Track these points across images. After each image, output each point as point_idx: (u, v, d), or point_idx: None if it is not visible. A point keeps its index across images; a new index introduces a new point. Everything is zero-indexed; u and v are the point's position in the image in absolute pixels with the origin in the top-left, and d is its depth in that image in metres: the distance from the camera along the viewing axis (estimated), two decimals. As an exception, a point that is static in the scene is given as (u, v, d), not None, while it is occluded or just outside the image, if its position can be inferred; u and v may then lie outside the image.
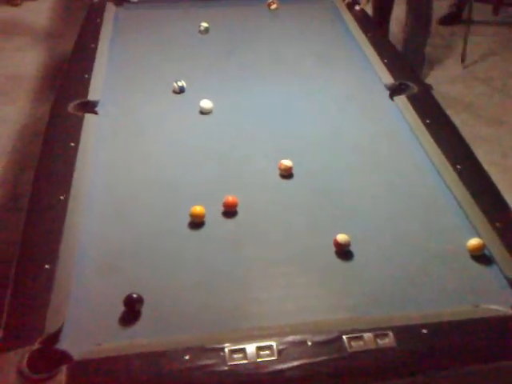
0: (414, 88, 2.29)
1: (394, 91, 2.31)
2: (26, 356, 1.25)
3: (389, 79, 2.38)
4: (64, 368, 1.24)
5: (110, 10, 2.92)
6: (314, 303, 1.47)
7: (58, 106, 2.17)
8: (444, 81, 3.77)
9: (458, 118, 2.25)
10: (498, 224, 1.64)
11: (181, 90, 2.32)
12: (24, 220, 1.65)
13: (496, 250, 1.58)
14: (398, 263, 1.58)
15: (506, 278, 1.51)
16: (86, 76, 2.34)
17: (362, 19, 2.89)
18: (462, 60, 3.99)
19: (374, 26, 2.82)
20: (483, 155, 2.04)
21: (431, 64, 3.96)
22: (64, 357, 1.27)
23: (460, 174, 1.83)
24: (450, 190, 1.81)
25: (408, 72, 2.49)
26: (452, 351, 1.33)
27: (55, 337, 1.32)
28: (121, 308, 1.42)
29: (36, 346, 1.28)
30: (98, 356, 1.28)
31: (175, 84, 2.32)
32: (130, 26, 2.86)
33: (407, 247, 1.63)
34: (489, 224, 1.65)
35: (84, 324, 1.39)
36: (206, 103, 2.21)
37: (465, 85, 3.79)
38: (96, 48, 2.55)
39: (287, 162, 1.89)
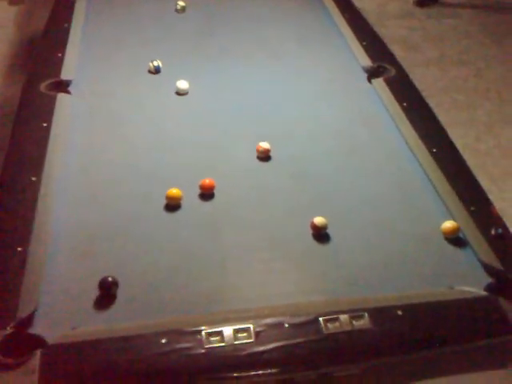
0: (392, 71, 2.30)
1: (372, 74, 2.31)
2: (-1, 340, 1.23)
3: (367, 62, 2.37)
4: (38, 352, 1.22)
5: (84, -13, 2.84)
6: (292, 286, 1.48)
7: (30, 86, 2.11)
8: (419, 64, 3.78)
9: (432, 102, 2.26)
10: (472, 207, 1.66)
11: (156, 70, 2.28)
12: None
13: (470, 232, 1.60)
14: (374, 246, 1.59)
15: (480, 260, 1.53)
16: (59, 55, 2.28)
17: (341, 1, 2.86)
18: None
19: (352, 8, 2.80)
20: (457, 139, 2.05)
21: (407, 46, 3.96)
22: (38, 341, 1.25)
23: (436, 157, 1.85)
24: (426, 174, 1.82)
25: (386, 54, 2.48)
26: (426, 332, 1.35)
27: (28, 321, 1.30)
28: (96, 292, 1.40)
29: (8, 330, 1.26)
30: (72, 340, 1.27)
31: (151, 64, 2.28)
32: (105, 4, 2.78)
33: (383, 230, 1.64)
34: (463, 207, 1.67)
35: (58, 308, 1.37)
36: (182, 84, 2.18)
37: (439, 68, 3.81)
38: (69, 26, 2.49)
39: (265, 145, 1.88)
